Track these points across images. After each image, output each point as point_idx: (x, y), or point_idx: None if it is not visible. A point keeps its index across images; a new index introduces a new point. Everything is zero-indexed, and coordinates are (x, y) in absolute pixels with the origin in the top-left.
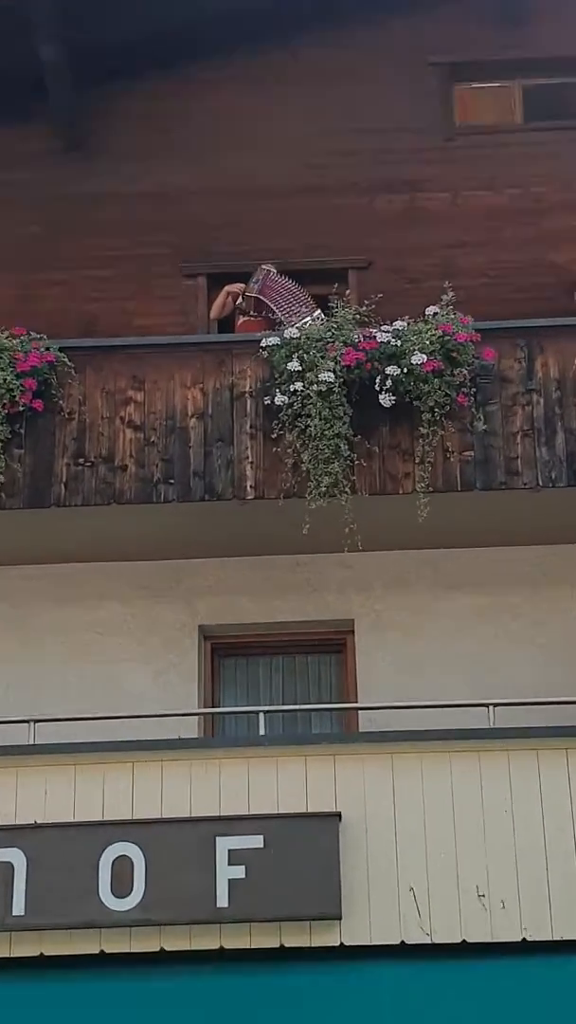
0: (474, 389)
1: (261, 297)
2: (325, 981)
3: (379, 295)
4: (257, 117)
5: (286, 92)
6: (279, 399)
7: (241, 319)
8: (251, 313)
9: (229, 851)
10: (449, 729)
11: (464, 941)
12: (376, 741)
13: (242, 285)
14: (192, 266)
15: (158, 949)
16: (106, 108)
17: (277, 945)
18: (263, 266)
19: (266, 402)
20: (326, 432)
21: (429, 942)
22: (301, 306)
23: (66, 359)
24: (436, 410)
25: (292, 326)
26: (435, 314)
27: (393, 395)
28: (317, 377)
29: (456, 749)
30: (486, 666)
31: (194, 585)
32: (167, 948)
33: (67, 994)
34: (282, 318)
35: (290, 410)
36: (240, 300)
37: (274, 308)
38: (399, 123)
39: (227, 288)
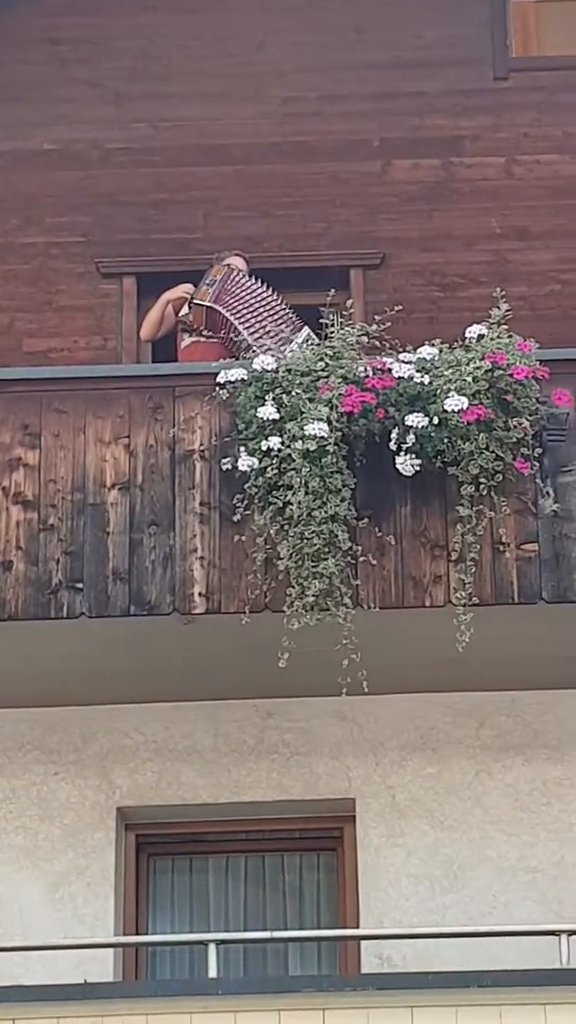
0: (540, 450)
1: (217, 307)
2: None
3: (397, 307)
4: (211, 37)
5: (258, 1)
6: (245, 462)
7: (187, 340)
8: (202, 331)
9: None
10: (502, 971)
11: None
12: (388, 988)
13: (189, 287)
14: (113, 262)
15: None
16: None
17: None
18: (223, 261)
19: (225, 467)
20: (315, 513)
21: None
22: (278, 322)
23: None
24: (483, 481)
25: (265, 351)
26: (481, 337)
27: (417, 457)
28: (303, 430)
29: (510, 1000)
30: (560, 874)
31: (111, 746)
32: None
33: None
34: (248, 339)
35: (261, 479)
36: (186, 311)
37: (236, 324)
38: (429, 53)
39: (167, 295)
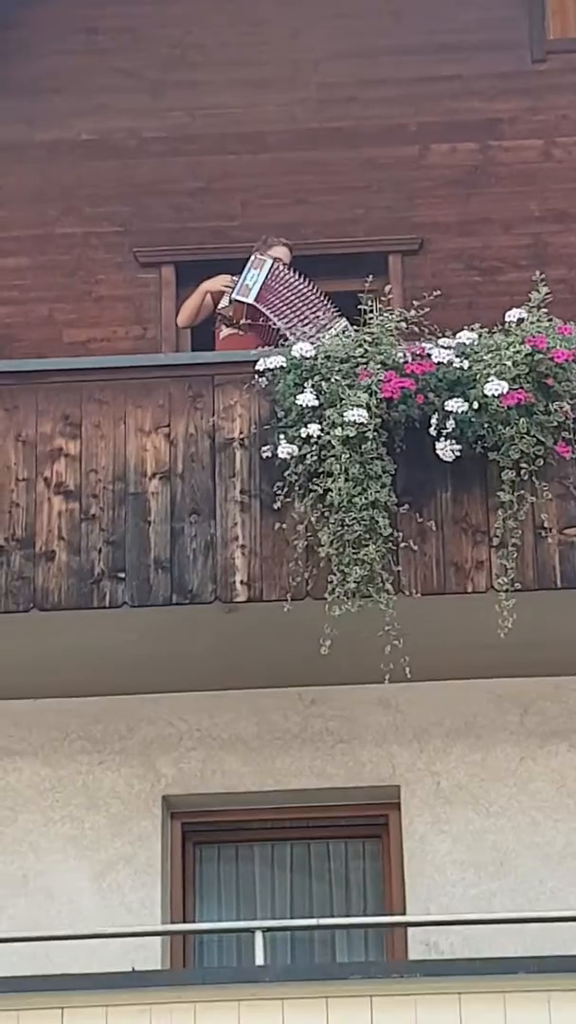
0: None
1: (259, 306)
2: None
3: (435, 292)
4: (247, 25)
5: None
6: (285, 450)
7: (225, 332)
8: (242, 322)
9: None
10: (551, 957)
11: None
12: (436, 975)
13: (227, 279)
14: (152, 252)
15: None
16: (15, 17)
17: None
18: (264, 252)
19: (265, 455)
20: (356, 499)
21: None
22: (316, 310)
23: None
24: (524, 465)
25: (302, 338)
26: (520, 321)
27: (458, 443)
28: (342, 416)
29: (559, 986)
30: None
31: (156, 735)
32: None
33: None
34: (284, 329)
35: (301, 466)
36: (225, 305)
37: (279, 324)
38: (466, 36)
39: (205, 285)
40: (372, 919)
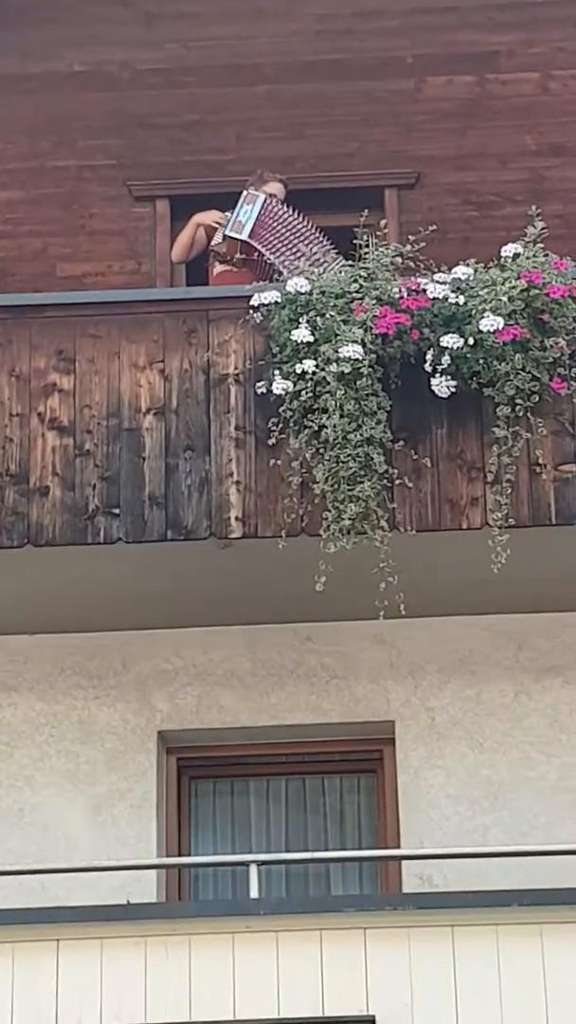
0: None
1: (253, 243)
2: None
3: (431, 227)
4: None
5: None
6: (279, 386)
7: (219, 268)
8: (236, 257)
9: None
10: (543, 890)
11: None
12: (429, 908)
13: (219, 215)
14: (146, 185)
15: None
16: None
17: None
18: (259, 187)
19: (260, 390)
20: (351, 436)
21: None
22: (310, 245)
23: None
24: (519, 402)
25: (296, 273)
26: (516, 256)
27: (453, 379)
28: (337, 352)
29: (551, 919)
30: None
31: (151, 671)
32: None
33: None
34: (279, 265)
35: (296, 402)
36: (219, 241)
37: (273, 260)
38: None
39: (197, 218)
40: (366, 852)
